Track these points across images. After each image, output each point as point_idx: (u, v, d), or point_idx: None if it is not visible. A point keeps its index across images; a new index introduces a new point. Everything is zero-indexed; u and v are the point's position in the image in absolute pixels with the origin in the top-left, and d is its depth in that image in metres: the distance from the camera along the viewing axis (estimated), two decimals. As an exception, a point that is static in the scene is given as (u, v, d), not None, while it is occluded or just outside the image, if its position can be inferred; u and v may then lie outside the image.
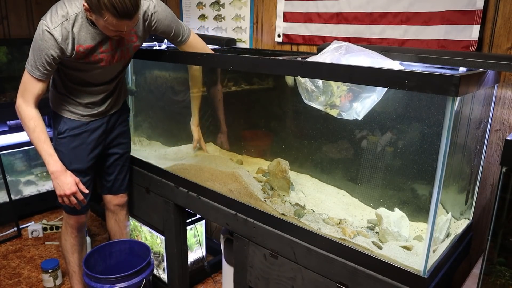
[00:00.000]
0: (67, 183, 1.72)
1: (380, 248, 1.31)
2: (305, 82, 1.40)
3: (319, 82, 1.38)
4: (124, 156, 2.06)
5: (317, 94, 1.39)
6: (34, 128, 1.68)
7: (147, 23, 1.73)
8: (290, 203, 1.61)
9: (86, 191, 1.80)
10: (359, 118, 1.36)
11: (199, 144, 2.03)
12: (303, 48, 2.11)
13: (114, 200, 2.11)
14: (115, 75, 1.84)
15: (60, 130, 1.85)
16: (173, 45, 2.28)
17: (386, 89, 1.29)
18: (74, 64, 1.69)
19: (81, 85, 1.80)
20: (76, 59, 1.65)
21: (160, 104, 2.32)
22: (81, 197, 1.77)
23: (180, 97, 2.21)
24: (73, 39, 1.59)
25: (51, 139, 1.76)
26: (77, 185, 1.75)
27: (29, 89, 1.65)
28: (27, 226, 2.93)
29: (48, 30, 1.55)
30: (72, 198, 1.74)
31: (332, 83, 1.35)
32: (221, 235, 1.98)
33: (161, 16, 1.73)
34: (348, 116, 1.37)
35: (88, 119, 1.87)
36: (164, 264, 2.20)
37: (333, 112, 1.40)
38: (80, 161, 1.88)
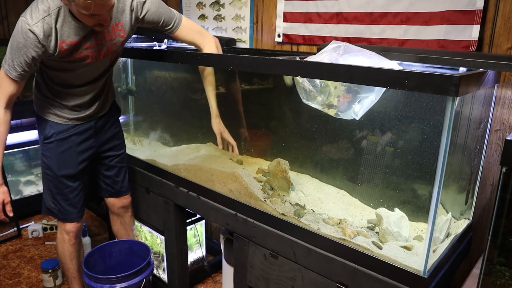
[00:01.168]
0: None
1: (380, 248, 1.31)
2: (302, 82, 1.40)
3: (317, 82, 1.38)
4: (119, 157, 2.01)
5: (314, 94, 1.39)
6: None
7: (133, 13, 1.64)
8: (290, 203, 1.61)
9: (11, 214, 1.73)
10: (357, 118, 1.36)
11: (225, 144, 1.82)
12: (303, 48, 2.11)
13: (117, 203, 2.08)
14: (101, 72, 1.76)
15: (47, 135, 1.78)
16: (173, 45, 2.26)
17: (384, 89, 1.29)
18: (59, 64, 1.62)
19: (66, 86, 1.73)
20: (60, 58, 1.58)
21: (160, 104, 2.32)
22: (1, 216, 1.71)
23: (180, 97, 2.21)
24: (56, 35, 1.50)
25: (36, 142, 1.70)
26: (4, 205, 1.69)
27: (3, 87, 1.57)
28: (27, 226, 2.93)
29: (29, 27, 1.45)
30: None
31: (330, 83, 1.35)
32: (221, 235, 1.98)
33: (148, 3, 1.65)
34: (346, 116, 1.38)
35: (74, 123, 1.80)
36: (164, 264, 2.20)
37: (331, 112, 1.40)
38: (70, 166, 1.82)
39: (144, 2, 1.65)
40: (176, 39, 1.81)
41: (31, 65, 1.54)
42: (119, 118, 2.05)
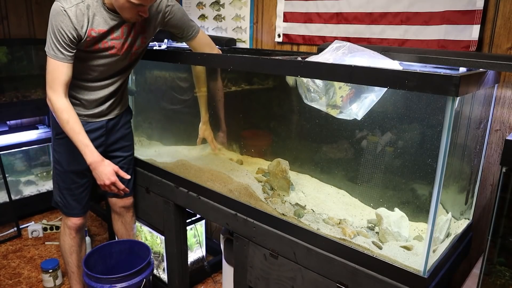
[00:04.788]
0: (105, 173, 1.66)
1: (380, 248, 1.31)
2: (307, 82, 1.40)
3: (322, 82, 1.37)
4: (127, 158, 2.03)
5: (319, 95, 1.39)
6: (68, 120, 1.63)
7: (160, 15, 1.71)
8: (290, 203, 1.61)
9: (128, 177, 1.74)
10: (358, 118, 1.36)
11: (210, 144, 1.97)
12: (303, 48, 2.11)
13: (119, 203, 2.09)
14: (119, 70, 1.79)
15: (58, 131, 1.80)
16: (173, 45, 2.27)
17: (386, 89, 1.29)
18: (80, 54, 1.65)
19: (83, 80, 1.75)
20: (85, 47, 1.63)
21: (160, 104, 2.32)
22: (121, 186, 1.71)
23: (180, 97, 2.21)
24: (88, 22, 1.57)
25: (50, 140, 1.73)
26: (117, 173, 1.70)
27: (56, 77, 1.60)
28: (27, 226, 2.93)
29: (63, 9, 1.52)
30: (113, 187, 1.70)
31: (335, 82, 1.35)
32: (221, 235, 1.98)
33: (175, 8, 1.74)
34: (347, 116, 1.38)
35: (86, 120, 1.83)
36: (164, 264, 2.20)
37: (333, 112, 1.40)
38: (79, 163, 1.82)
39: (172, 7, 1.73)
40: (189, 46, 1.91)
41: (71, 45, 1.58)
42: (131, 120, 2.07)
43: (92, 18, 1.58)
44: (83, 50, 1.65)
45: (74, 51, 1.61)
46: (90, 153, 1.65)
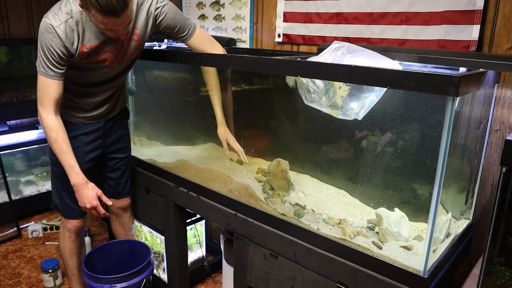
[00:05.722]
0: (88, 196, 1.67)
1: (380, 248, 1.31)
2: (307, 83, 1.40)
3: (322, 82, 1.37)
4: (124, 160, 2.03)
5: (319, 95, 1.39)
6: (56, 139, 1.62)
7: (151, 19, 1.67)
8: (290, 203, 1.61)
9: (110, 203, 1.74)
10: (359, 118, 1.36)
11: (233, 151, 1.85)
12: (303, 48, 2.11)
13: (117, 204, 2.08)
14: (116, 75, 1.78)
15: None
16: (173, 45, 2.27)
17: (386, 89, 1.29)
18: (76, 64, 1.64)
19: (80, 85, 1.74)
20: (79, 61, 1.60)
21: (160, 104, 2.32)
22: (102, 211, 1.71)
23: (180, 97, 2.21)
24: (78, 38, 1.54)
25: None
26: (99, 197, 1.70)
27: (46, 93, 1.58)
28: (27, 226, 2.93)
29: (52, 27, 1.49)
30: (94, 211, 1.71)
31: (335, 83, 1.35)
32: (221, 235, 1.98)
33: (166, 8, 1.68)
34: (348, 116, 1.38)
35: (83, 122, 1.82)
36: (164, 264, 2.20)
37: (334, 113, 1.40)
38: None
39: (162, 8, 1.68)
40: (188, 46, 1.84)
41: (61, 63, 1.56)
42: (127, 121, 2.05)
43: (82, 34, 1.54)
44: (79, 63, 1.62)
45: (65, 67, 1.58)
46: (75, 174, 1.65)
